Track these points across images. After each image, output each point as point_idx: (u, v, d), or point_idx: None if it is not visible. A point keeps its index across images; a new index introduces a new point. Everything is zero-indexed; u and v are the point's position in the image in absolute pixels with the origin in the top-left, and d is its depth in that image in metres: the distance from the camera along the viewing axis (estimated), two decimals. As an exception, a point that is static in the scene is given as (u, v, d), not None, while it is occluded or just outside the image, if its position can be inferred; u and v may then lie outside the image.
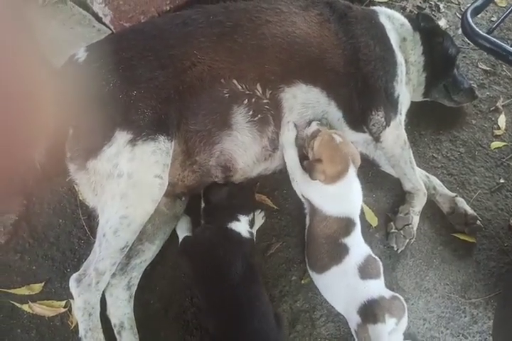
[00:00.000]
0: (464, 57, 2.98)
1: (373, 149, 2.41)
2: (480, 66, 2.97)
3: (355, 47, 2.16)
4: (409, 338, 2.05)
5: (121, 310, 1.91)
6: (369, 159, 2.43)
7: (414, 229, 2.23)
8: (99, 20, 2.39)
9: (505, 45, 1.94)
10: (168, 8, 2.39)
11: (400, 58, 2.30)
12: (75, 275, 1.82)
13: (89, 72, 1.88)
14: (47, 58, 2.19)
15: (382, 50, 2.21)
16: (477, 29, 1.99)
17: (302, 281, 2.13)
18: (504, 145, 2.70)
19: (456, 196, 2.36)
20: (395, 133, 2.23)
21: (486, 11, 3.18)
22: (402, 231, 2.22)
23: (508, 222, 2.44)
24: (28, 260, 2.04)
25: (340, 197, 2.01)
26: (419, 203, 2.28)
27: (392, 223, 2.27)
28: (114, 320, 1.90)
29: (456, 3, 3.25)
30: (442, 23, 3.09)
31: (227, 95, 1.96)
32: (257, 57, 2.00)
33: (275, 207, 2.30)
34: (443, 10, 3.20)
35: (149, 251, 2.03)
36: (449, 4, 3.24)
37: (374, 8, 2.49)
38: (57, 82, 1.99)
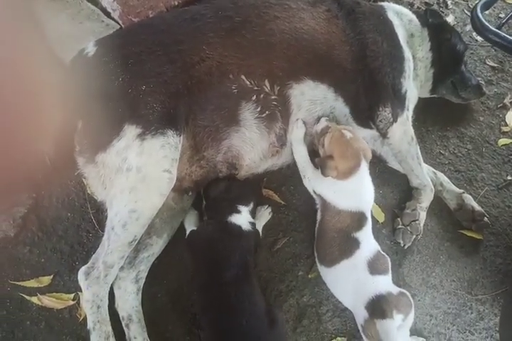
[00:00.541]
0: (472, 53, 2.98)
1: (380, 145, 2.41)
2: (488, 63, 2.97)
3: (363, 44, 2.15)
4: (415, 334, 2.05)
5: (130, 303, 1.92)
6: (376, 155, 2.42)
7: (421, 225, 2.23)
8: (108, 15, 2.40)
9: None
10: (176, 3, 2.39)
11: (407, 54, 2.29)
12: (83, 268, 1.83)
13: (99, 66, 1.89)
14: (56, 53, 2.20)
15: (389, 46, 2.21)
16: (487, 24, 1.99)
17: (309, 276, 2.14)
18: (511, 142, 2.69)
19: (464, 193, 2.36)
20: (402, 129, 2.23)
21: (494, 7, 3.19)
22: (408, 227, 2.22)
23: (515, 218, 2.43)
24: (37, 253, 2.06)
25: (354, 192, 2.01)
26: (426, 199, 2.28)
27: (399, 219, 2.27)
28: (122, 313, 1.91)
29: (464, -1, 3.25)
30: (450, 19, 3.08)
31: (235, 91, 1.96)
32: (265, 53, 2.00)
33: (282, 203, 2.30)
34: (451, 6, 3.20)
35: (157, 245, 2.04)
36: (456, 1, 3.24)
37: (382, 3, 2.48)
38: (67, 76, 2.01)
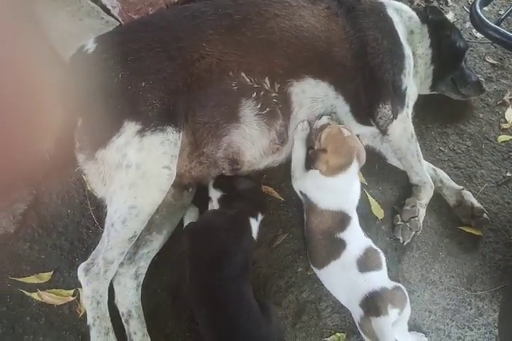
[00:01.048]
0: (472, 50, 2.98)
1: (380, 142, 2.42)
2: (487, 60, 2.98)
3: (363, 41, 2.16)
4: (414, 329, 2.06)
5: (129, 299, 1.93)
6: (376, 152, 2.44)
7: (421, 221, 2.24)
8: (108, 12, 2.41)
9: None
10: (176, 0, 2.39)
11: (407, 51, 2.29)
12: (83, 265, 1.84)
13: (98, 63, 1.89)
14: (56, 50, 2.21)
15: (389, 43, 2.21)
16: (486, 20, 1.99)
17: (308, 272, 2.14)
18: (511, 139, 2.70)
19: (463, 189, 2.36)
20: (402, 126, 2.23)
21: (494, 4, 3.19)
22: (408, 224, 2.23)
23: (515, 215, 2.44)
24: (37, 249, 2.06)
25: (338, 191, 2.02)
26: (425, 196, 2.28)
27: (398, 215, 2.28)
28: (121, 309, 1.91)
29: (464, -4, 3.25)
30: (450, 16, 3.09)
31: (235, 88, 1.97)
32: (265, 51, 2.01)
33: (282, 199, 2.31)
34: (450, 3, 3.20)
35: (157, 241, 2.05)
36: (457, -2, 3.24)
37: (382, 0, 2.46)
38: (67, 73, 2.02)
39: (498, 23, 2.05)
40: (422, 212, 2.26)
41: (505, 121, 2.76)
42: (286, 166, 2.27)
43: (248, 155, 2.10)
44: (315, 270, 2.08)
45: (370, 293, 1.86)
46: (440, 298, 2.19)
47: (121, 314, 1.91)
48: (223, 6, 2.05)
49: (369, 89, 2.18)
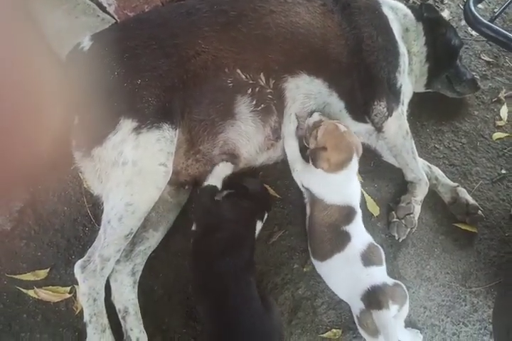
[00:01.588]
0: (467, 48, 2.99)
1: (375, 139, 2.42)
2: (483, 57, 2.99)
3: (358, 38, 2.16)
4: (409, 326, 2.07)
5: (126, 296, 1.93)
6: (371, 149, 2.44)
7: (416, 218, 2.24)
8: (104, 9, 2.40)
9: (507, 32, 1.95)
10: (171, -3, 2.39)
11: (402, 49, 2.30)
12: (79, 262, 1.84)
13: (94, 60, 1.90)
14: (52, 47, 2.21)
15: (384, 41, 2.22)
16: (480, 17, 2.00)
17: (304, 269, 2.15)
18: (506, 136, 2.72)
19: (458, 186, 2.37)
20: (397, 124, 2.24)
21: (489, 2, 3.20)
22: (403, 221, 2.24)
23: (509, 211, 2.46)
24: (34, 246, 2.07)
25: (343, 186, 2.02)
26: (420, 193, 2.29)
27: (393, 212, 2.29)
28: (118, 306, 1.92)
29: (460, -6, 3.26)
30: (445, 14, 3.09)
31: (231, 84, 1.97)
32: (260, 47, 2.01)
33: (278, 196, 2.31)
34: (446, 1, 3.21)
35: (153, 238, 2.05)
36: (452, -5, 3.25)
37: (377, -2, 2.49)
38: (62, 70, 2.02)
39: (492, 21, 2.05)
40: (417, 209, 2.27)
41: (500, 119, 2.78)
42: (281, 164, 2.29)
43: (244, 152, 2.11)
44: (316, 263, 2.08)
45: (372, 287, 1.86)
46: (435, 294, 2.20)
47: (117, 311, 1.92)
48: (218, 2, 2.06)
49: (364, 86, 2.19)
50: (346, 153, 1.98)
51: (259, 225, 2.04)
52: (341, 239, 1.97)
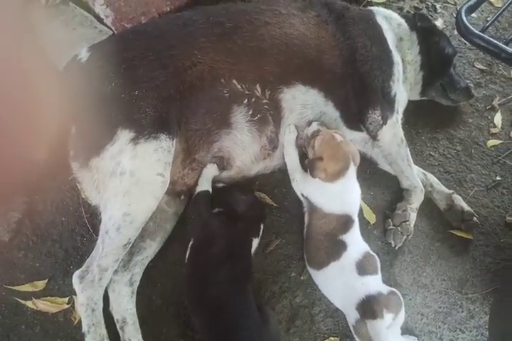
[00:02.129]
0: (461, 56, 3.02)
1: (371, 147, 2.44)
2: (476, 65, 3.02)
3: (353, 48, 2.19)
4: (407, 333, 2.08)
5: (124, 306, 1.93)
6: (367, 157, 2.46)
7: (412, 225, 2.26)
8: (101, 21, 2.42)
9: (497, 42, 1.97)
10: (168, 9, 2.41)
11: (396, 58, 2.33)
12: (77, 272, 1.84)
13: (92, 71, 1.91)
14: (50, 58, 2.22)
15: (378, 50, 2.25)
16: (471, 27, 2.02)
17: (301, 277, 2.16)
18: (500, 143, 2.74)
19: (453, 193, 2.39)
20: (392, 132, 2.26)
21: (483, 11, 3.23)
22: (399, 228, 2.25)
23: (504, 218, 2.47)
24: (32, 257, 2.07)
25: (341, 195, 2.04)
26: (416, 200, 2.30)
27: (389, 220, 2.30)
28: (116, 316, 1.92)
29: (453, 3, 3.29)
30: (439, 23, 3.12)
31: (227, 95, 1.99)
32: (256, 58, 2.03)
33: (275, 205, 2.32)
34: (440, 10, 3.24)
35: (151, 248, 2.05)
36: (445, 5, 3.28)
37: (371, 8, 2.52)
38: (60, 81, 2.03)
39: (483, 31, 2.08)
40: (413, 216, 2.28)
41: (494, 126, 2.80)
42: (278, 172, 2.30)
43: (238, 161, 2.13)
44: (312, 271, 2.09)
45: (367, 297, 1.87)
46: (432, 301, 2.21)
47: (115, 321, 1.92)
48: (215, 14, 2.08)
49: (359, 95, 2.21)
50: (343, 162, 2.00)
51: (255, 242, 2.04)
52: (337, 248, 1.99)
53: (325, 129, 2.11)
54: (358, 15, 2.30)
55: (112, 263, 1.83)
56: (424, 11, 3.21)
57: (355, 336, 1.94)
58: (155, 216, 2.01)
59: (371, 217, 2.34)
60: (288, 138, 2.15)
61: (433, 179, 2.44)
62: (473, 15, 2.34)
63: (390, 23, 2.42)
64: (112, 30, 2.39)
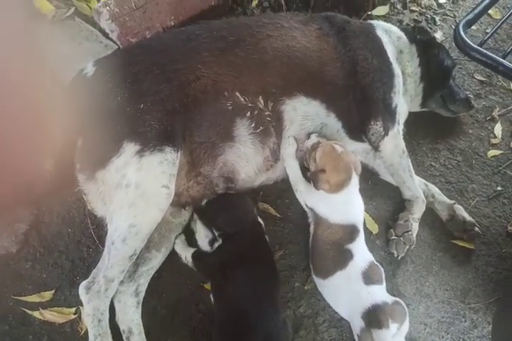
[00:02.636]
0: (460, 68, 3.05)
1: (372, 158, 2.47)
2: (476, 77, 3.05)
3: (354, 60, 2.22)
4: (410, 342, 2.09)
5: (130, 316, 1.95)
6: (368, 168, 2.49)
7: (414, 235, 2.27)
8: (106, 35, 2.46)
9: (495, 56, 1.99)
10: (172, 23, 2.46)
11: (397, 70, 2.36)
12: (84, 283, 1.87)
13: (98, 85, 1.95)
14: (56, 73, 2.26)
15: (379, 63, 2.28)
16: (469, 41, 2.05)
17: (305, 287, 2.17)
18: (501, 154, 2.76)
19: (455, 203, 2.40)
20: (394, 143, 2.29)
21: (481, 23, 3.27)
22: (402, 238, 2.26)
23: (506, 228, 2.48)
24: (39, 268, 2.09)
25: (345, 205, 2.06)
26: (418, 210, 2.32)
27: (392, 230, 2.31)
28: (122, 326, 1.94)
29: (452, 16, 3.34)
30: (438, 35, 3.16)
31: (230, 108, 2.02)
32: (258, 71, 2.07)
33: (278, 215, 2.35)
34: (439, 23, 3.28)
35: (156, 259, 2.08)
36: (444, 17, 3.33)
37: (371, 21, 2.56)
38: (66, 95, 2.07)
39: (482, 44, 2.11)
40: (415, 226, 2.30)
41: (495, 136, 2.82)
42: (281, 183, 2.33)
43: (242, 173, 2.15)
44: (318, 281, 2.11)
45: (373, 306, 1.89)
46: (435, 310, 2.21)
47: (122, 331, 1.94)
48: (217, 28, 2.12)
49: (360, 106, 2.24)
50: (345, 173, 2.03)
51: None
52: (344, 257, 2.01)
53: (324, 141, 2.13)
54: (358, 28, 2.34)
55: (118, 274, 1.85)
56: (424, 24, 3.26)
57: (359, 346, 1.95)
58: (160, 227, 2.02)
59: (374, 227, 2.35)
60: (288, 150, 2.17)
61: (434, 189, 2.45)
62: (472, 27, 2.37)
63: (390, 36, 2.45)
64: (117, 44, 2.43)
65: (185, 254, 2.09)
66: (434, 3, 3.38)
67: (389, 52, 2.36)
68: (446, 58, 2.56)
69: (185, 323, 2.05)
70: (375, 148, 2.32)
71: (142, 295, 2.02)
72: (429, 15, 3.31)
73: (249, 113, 2.05)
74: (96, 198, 1.98)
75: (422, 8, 3.34)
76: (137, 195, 1.83)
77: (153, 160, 1.84)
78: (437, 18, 3.29)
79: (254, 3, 2.90)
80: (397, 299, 1.99)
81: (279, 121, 2.13)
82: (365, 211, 2.32)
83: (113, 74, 1.96)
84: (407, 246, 2.26)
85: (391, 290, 2.15)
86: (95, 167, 1.91)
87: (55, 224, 2.20)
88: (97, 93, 1.93)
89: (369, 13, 3.08)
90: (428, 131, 2.77)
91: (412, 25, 3.13)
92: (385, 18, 3.11)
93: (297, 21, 2.26)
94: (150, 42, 2.24)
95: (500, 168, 2.70)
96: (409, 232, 2.26)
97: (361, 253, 2.04)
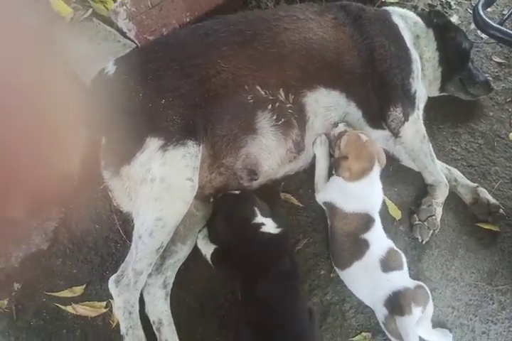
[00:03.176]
0: (478, 51, 3.02)
1: (393, 144, 2.46)
2: (494, 59, 3.01)
3: (371, 48, 2.22)
4: (438, 326, 2.10)
5: (159, 308, 1.99)
6: (389, 154, 2.47)
7: (438, 219, 2.27)
8: (124, 35, 2.49)
9: None
10: (188, 19, 2.47)
11: (414, 55, 2.36)
12: (113, 277, 1.91)
13: (119, 83, 1.97)
14: (76, 74, 2.30)
15: (396, 49, 2.28)
16: (488, 20, 2.03)
17: (331, 275, 2.19)
18: (522, 135, 2.73)
19: (478, 186, 2.39)
20: (414, 128, 2.29)
21: (497, 5, 3.22)
22: (425, 223, 2.26)
23: (530, 209, 2.46)
24: (69, 264, 2.15)
25: (362, 194, 2.07)
26: (441, 195, 2.32)
27: (415, 215, 2.32)
28: (152, 318, 1.98)
29: (467, -1, 3.31)
30: (454, 19, 3.13)
31: (251, 101, 2.04)
32: (277, 64, 2.08)
33: (300, 205, 2.36)
34: (454, 6, 3.24)
35: (182, 251, 2.11)
36: (459, 1, 3.28)
37: (386, 8, 2.55)
38: (89, 95, 2.11)
39: (501, 23, 2.09)
40: (439, 211, 2.29)
41: (516, 118, 2.79)
42: (303, 173, 2.35)
43: (266, 165, 2.17)
44: (338, 271, 2.13)
45: (394, 293, 1.90)
46: (462, 294, 2.22)
47: (152, 322, 1.98)
48: (234, 22, 2.14)
49: (379, 93, 2.24)
50: (367, 162, 2.04)
51: (269, 226, 2.00)
52: (360, 247, 2.02)
53: (351, 130, 2.14)
54: (374, 15, 2.34)
55: (146, 267, 1.89)
56: (439, 8, 3.22)
57: (386, 332, 1.97)
58: (184, 220, 2.04)
59: (397, 214, 2.36)
60: (320, 150, 2.21)
61: (457, 173, 2.45)
62: (487, 9, 2.35)
63: (406, 21, 2.44)
64: (135, 43, 2.46)
65: (205, 251, 2.11)
66: (449, -13, 3.34)
67: (406, 38, 2.35)
68: (464, 41, 2.53)
69: (214, 313, 2.09)
70: (396, 134, 2.32)
71: (170, 286, 2.06)
72: (443, 0, 3.27)
73: (270, 105, 2.06)
74: (122, 194, 2.02)
75: (437, -8, 3.31)
76: (162, 188, 1.86)
77: (176, 154, 1.87)
78: (452, 2, 3.25)
79: (268, -4, 2.91)
80: (420, 282, 2.00)
81: (302, 113, 2.15)
82: (388, 197, 2.36)
83: (133, 71, 1.99)
84: (431, 231, 2.26)
85: (417, 275, 2.17)
86: (120, 163, 1.94)
87: (83, 221, 2.24)
88: (119, 91, 1.96)
89: (383, 0, 3.06)
90: (448, 115, 2.75)
91: (426, 10, 3.10)
92: (398, 4, 3.06)
93: (312, 12, 2.26)
94: (168, 39, 2.26)
95: (523, 150, 2.67)
96: (433, 217, 2.26)
97: (378, 242, 2.04)
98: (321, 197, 2.21)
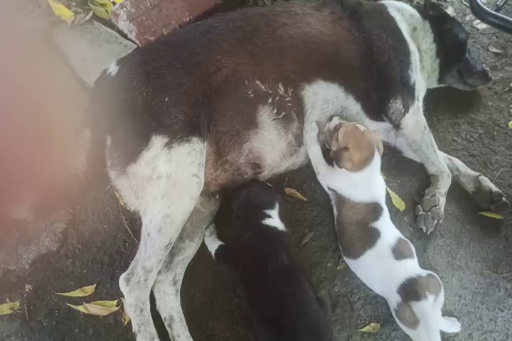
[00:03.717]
0: (474, 42, 3.03)
1: (394, 137, 2.47)
2: (490, 49, 3.02)
3: (369, 41, 2.24)
4: (446, 314, 2.11)
5: (170, 304, 2.01)
6: (391, 147, 2.49)
7: (442, 209, 2.28)
8: (125, 36, 2.52)
9: None
10: (187, 19, 2.50)
11: (412, 47, 2.37)
12: (123, 275, 1.94)
13: (122, 83, 2.00)
14: (79, 76, 2.32)
15: (394, 41, 2.29)
16: (485, 7, 2.05)
17: (338, 267, 2.21)
18: (521, 124, 2.75)
19: (480, 175, 2.40)
20: (414, 119, 2.31)
21: (492, -4, 3.25)
22: (429, 213, 2.28)
23: (533, 196, 2.47)
24: (79, 264, 2.17)
25: (367, 183, 2.09)
26: (444, 185, 2.33)
27: (419, 206, 2.33)
28: (163, 314, 2.00)
29: (461, -9, 3.32)
30: (449, 11, 3.14)
31: (251, 95, 2.07)
32: (277, 59, 2.11)
33: (305, 199, 2.38)
34: (449, -1, 3.27)
35: (190, 248, 2.13)
36: (454, -8, 3.31)
37: (383, 1, 2.56)
38: (93, 95, 2.13)
39: (497, 10, 2.11)
40: (442, 201, 2.31)
41: (514, 107, 2.81)
42: (306, 168, 2.37)
43: (269, 159, 2.19)
44: (348, 262, 2.14)
45: (408, 280, 1.92)
46: (468, 282, 2.23)
47: (163, 319, 2.00)
48: (234, 19, 2.16)
49: (379, 86, 2.27)
50: (368, 150, 2.05)
51: (276, 221, 2.05)
52: (371, 236, 2.03)
53: (346, 122, 2.16)
54: (371, 9, 2.36)
55: (156, 264, 1.91)
56: (434, 0, 3.23)
57: (397, 320, 1.98)
58: (191, 217, 2.07)
59: (400, 205, 2.37)
60: (309, 135, 2.21)
61: (458, 163, 2.46)
62: (482, 0, 2.37)
63: (403, 14, 2.46)
64: (136, 44, 2.49)
65: (211, 248, 2.14)
66: (443, -20, 3.36)
67: (403, 30, 2.37)
68: (460, 32, 2.55)
69: (224, 308, 2.11)
70: (397, 126, 2.34)
71: (180, 283, 2.08)
72: (438, -8, 3.29)
73: (270, 99, 2.09)
74: (129, 193, 2.04)
75: (431, -15, 3.32)
76: (169, 185, 1.88)
77: (181, 151, 1.90)
78: (447, -6, 3.28)
79: (265, -6, 2.93)
80: (431, 272, 2.02)
81: (301, 106, 2.17)
82: (391, 189, 2.37)
83: (136, 71, 2.01)
84: (436, 221, 2.27)
85: (423, 265, 2.16)
86: (126, 162, 1.96)
87: (91, 222, 2.26)
88: (122, 91, 1.98)
89: (379, -7, 3.08)
90: (447, 106, 2.76)
91: (422, 2, 3.12)
92: (395, -3, 3.09)
93: (310, 7, 2.29)
94: (169, 38, 2.27)
95: (523, 138, 2.69)
96: (437, 206, 2.27)
97: (388, 230, 2.06)
98: (325, 182, 2.22)
